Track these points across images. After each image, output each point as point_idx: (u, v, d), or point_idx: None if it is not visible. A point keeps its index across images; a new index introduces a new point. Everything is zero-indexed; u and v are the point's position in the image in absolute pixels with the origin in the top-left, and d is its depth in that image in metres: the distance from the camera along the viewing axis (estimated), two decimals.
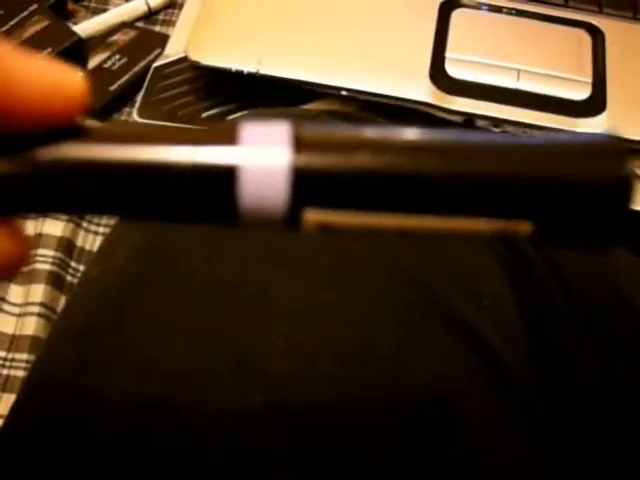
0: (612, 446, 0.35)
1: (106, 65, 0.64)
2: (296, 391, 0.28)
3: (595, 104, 0.52)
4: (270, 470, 0.26)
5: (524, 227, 0.20)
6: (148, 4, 0.69)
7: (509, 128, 0.52)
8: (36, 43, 0.64)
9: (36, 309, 0.51)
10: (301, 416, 0.27)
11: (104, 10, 0.69)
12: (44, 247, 0.54)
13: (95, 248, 0.55)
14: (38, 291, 0.52)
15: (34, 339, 0.51)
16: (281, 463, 0.27)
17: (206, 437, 0.27)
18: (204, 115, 0.53)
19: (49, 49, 0.64)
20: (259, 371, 0.28)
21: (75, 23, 0.68)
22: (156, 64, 0.56)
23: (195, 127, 0.20)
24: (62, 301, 0.53)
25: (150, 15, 0.69)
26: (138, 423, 0.28)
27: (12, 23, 0.66)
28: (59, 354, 0.32)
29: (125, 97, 0.63)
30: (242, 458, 0.27)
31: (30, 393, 0.32)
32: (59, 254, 0.54)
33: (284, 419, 0.27)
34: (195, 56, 0.53)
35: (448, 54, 0.54)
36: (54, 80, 0.18)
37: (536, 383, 0.33)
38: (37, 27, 0.66)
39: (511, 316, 0.34)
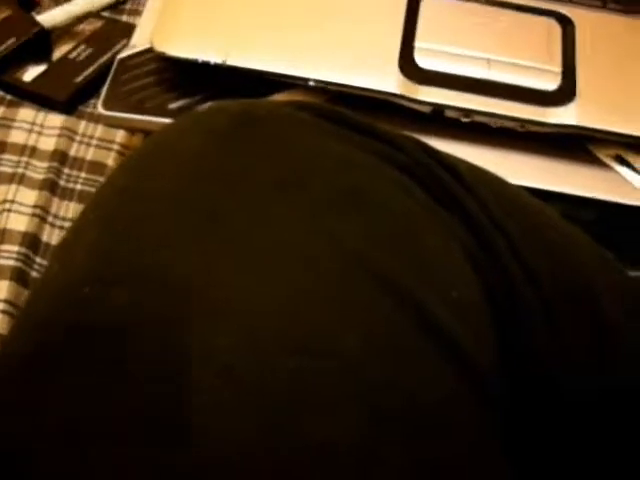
0: (581, 437, 0.35)
1: (71, 56, 0.63)
2: (258, 385, 0.28)
3: (565, 94, 0.52)
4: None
5: None
6: None
7: (478, 118, 0.51)
8: None
9: (0, 306, 0.51)
10: (264, 410, 0.27)
11: None
12: (8, 243, 0.53)
13: None
14: (2, 287, 0.51)
15: None
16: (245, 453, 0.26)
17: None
18: (170, 107, 0.52)
19: (12, 39, 0.63)
20: (220, 363, 0.28)
21: (40, 13, 0.67)
22: (121, 55, 0.55)
23: None
24: None
25: (117, 4, 0.68)
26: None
27: None
28: (16, 350, 0.31)
29: (91, 89, 0.62)
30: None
31: None
32: (23, 249, 0.53)
33: (246, 412, 0.27)
34: (161, 47, 0.52)
35: (417, 44, 0.53)
36: None
37: (504, 376, 0.33)
38: (0, 17, 0.64)
39: (479, 306, 0.34)
